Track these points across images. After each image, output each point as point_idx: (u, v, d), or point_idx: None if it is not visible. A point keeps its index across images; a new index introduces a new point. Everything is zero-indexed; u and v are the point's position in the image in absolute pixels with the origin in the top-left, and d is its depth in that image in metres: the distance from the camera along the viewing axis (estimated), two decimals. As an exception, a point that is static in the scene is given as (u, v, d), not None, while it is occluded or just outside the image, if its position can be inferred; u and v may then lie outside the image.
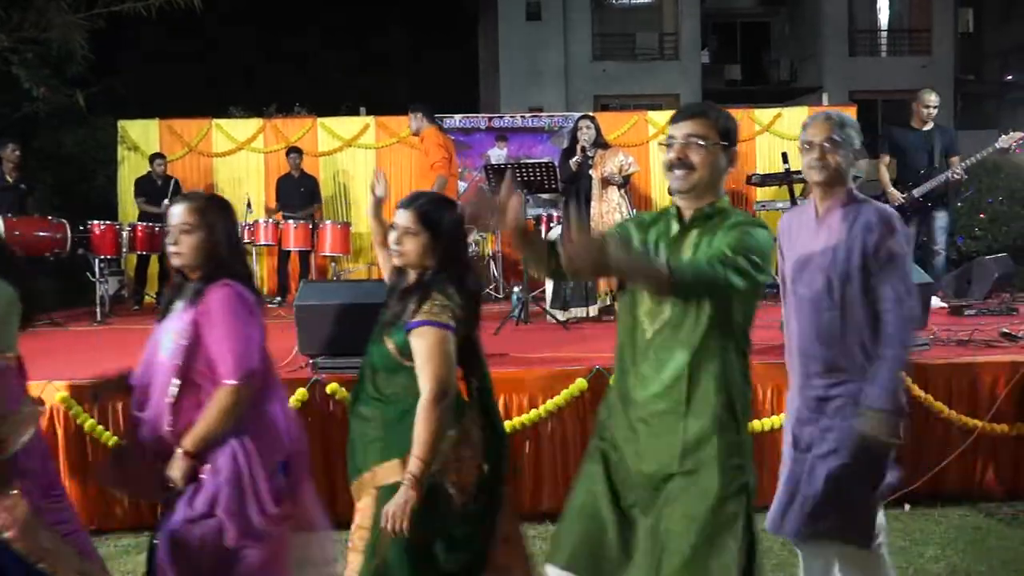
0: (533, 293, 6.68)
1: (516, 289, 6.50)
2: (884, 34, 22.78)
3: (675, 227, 2.13)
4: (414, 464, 2.16)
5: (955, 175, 6.42)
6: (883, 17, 22.76)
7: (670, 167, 2.11)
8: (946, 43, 21.69)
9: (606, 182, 6.25)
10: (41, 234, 6.91)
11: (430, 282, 2.33)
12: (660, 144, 2.19)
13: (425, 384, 2.22)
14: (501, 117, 10.78)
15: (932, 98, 6.66)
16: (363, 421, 2.36)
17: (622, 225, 2.31)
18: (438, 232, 2.34)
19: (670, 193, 2.23)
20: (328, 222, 8.36)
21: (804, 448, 2.50)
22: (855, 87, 20.57)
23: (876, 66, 21.77)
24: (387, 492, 2.21)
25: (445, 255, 2.35)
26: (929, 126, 6.67)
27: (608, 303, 6.26)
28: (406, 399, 2.27)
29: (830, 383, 2.45)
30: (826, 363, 2.46)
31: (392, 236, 2.37)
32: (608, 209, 6.26)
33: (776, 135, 10.02)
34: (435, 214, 2.36)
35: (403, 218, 2.36)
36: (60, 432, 3.98)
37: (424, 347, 2.25)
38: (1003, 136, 6.52)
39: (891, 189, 6.68)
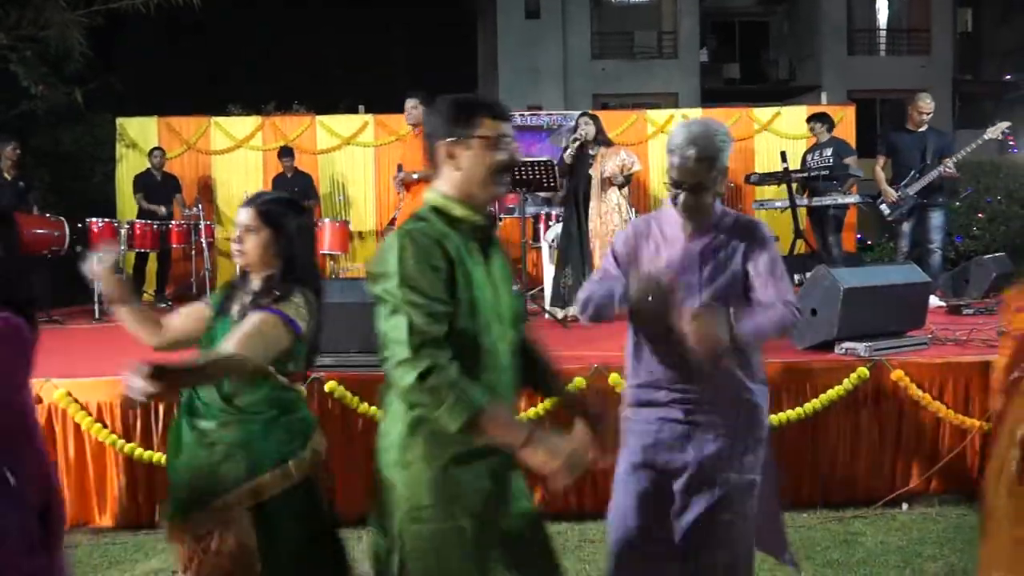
0: (532, 291, 6.68)
1: (514, 287, 6.50)
2: (883, 33, 22.78)
3: None
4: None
5: (946, 170, 6.52)
6: (882, 16, 22.77)
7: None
8: (945, 43, 21.70)
9: (607, 182, 6.24)
10: (39, 231, 6.90)
11: (279, 286, 2.18)
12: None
13: (227, 345, 2.04)
14: (500, 115, 10.76)
15: (926, 104, 6.81)
16: (204, 440, 2.14)
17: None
18: (280, 230, 2.21)
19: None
20: (327, 220, 8.35)
21: None
22: (854, 86, 20.57)
23: (875, 65, 21.77)
24: (281, 502, 2.12)
25: (289, 256, 2.22)
26: (923, 128, 6.77)
27: None
28: (268, 410, 2.15)
29: None
30: None
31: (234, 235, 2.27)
32: (607, 209, 6.24)
33: (775, 134, 10.03)
34: (277, 211, 2.24)
35: (244, 216, 2.24)
36: (59, 430, 3.98)
37: (250, 322, 2.09)
38: (989, 128, 6.63)
39: (886, 187, 6.79)
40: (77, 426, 3.94)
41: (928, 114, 6.77)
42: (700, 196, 2.37)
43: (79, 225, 7.39)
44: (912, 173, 6.69)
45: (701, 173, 2.34)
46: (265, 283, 2.21)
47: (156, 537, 3.81)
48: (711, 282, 2.34)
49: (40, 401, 3.94)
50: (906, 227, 6.85)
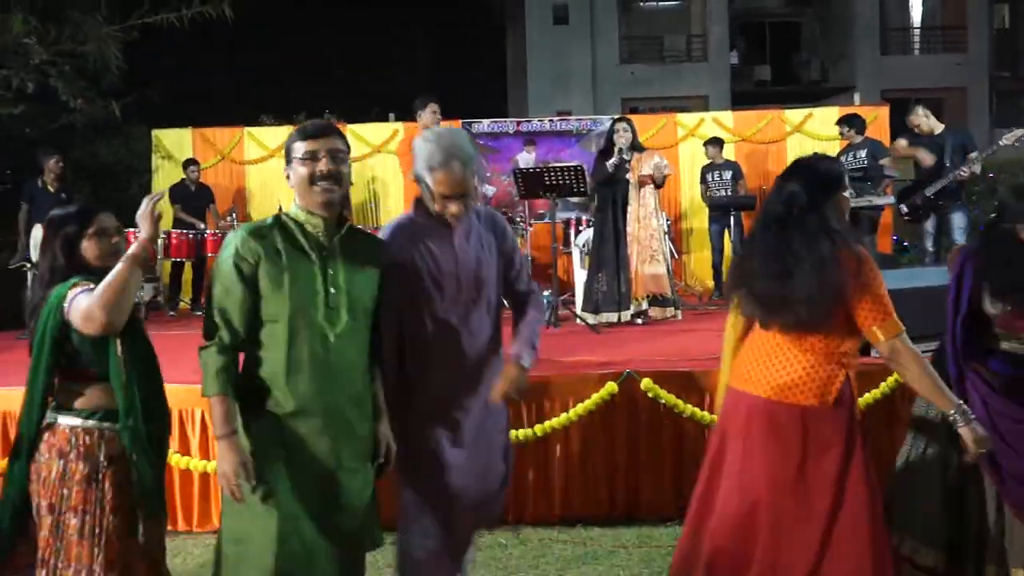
0: (564, 296, 6.67)
1: (546, 292, 6.49)
2: (917, 32, 22.45)
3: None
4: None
5: (961, 173, 6.43)
6: (916, 14, 22.45)
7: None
8: (981, 39, 21.32)
9: (643, 184, 6.22)
10: (79, 242, 7.03)
11: None
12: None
13: None
14: (529, 121, 10.79)
15: (914, 118, 6.86)
16: None
17: None
18: None
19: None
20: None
21: None
22: (888, 86, 20.29)
23: (909, 64, 21.46)
24: None
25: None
26: (938, 130, 6.71)
27: (644, 307, 6.22)
28: None
29: None
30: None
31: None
32: (645, 213, 6.23)
33: (807, 136, 9.92)
34: None
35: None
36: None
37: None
38: (1007, 134, 6.55)
39: (923, 154, 6.68)
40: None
41: (917, 127, 6.81)
42: (469, 202, 2.45)
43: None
44: (931, 174, 6.65)
45: (468, 181, 2.40)
46: None
47: (196, 541, 3.87)
48: (486, 282, 2.51)
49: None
50: (929, 226, 6.79)
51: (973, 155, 6.53)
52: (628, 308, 6.18)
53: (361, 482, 2.29)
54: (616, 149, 6.23)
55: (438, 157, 2.38)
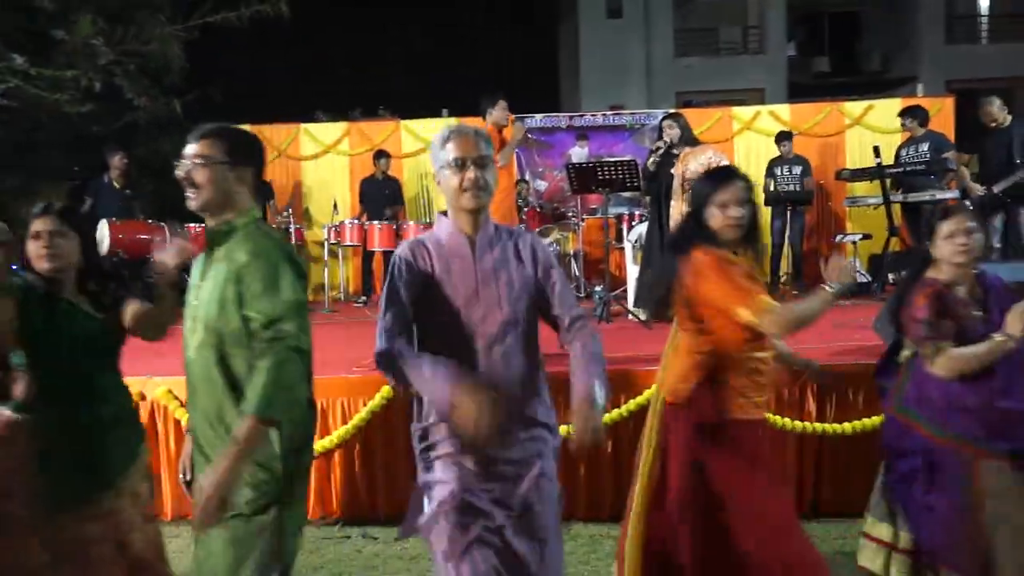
0: (615, 292, 6.64)
1: (598, 288, 6.47)
2: (985, 19, 21.68)
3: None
4: None
5: None
6: (983, 1, 21.68)
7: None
8: (1053, 27, 20.52)
9: (688, 182, 6.15)
10: (142, 236, 7.25)
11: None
12: None
13: None
14: (582, 116, 10.75)
15: (990, 108, 6.60)
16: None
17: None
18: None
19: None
20: (411, 223, 8.50)
21: None
22: (952, 76, 19.65)
23: (976, 54, 20.73)
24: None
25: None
26: (1007, 123, 6.48)
27: None
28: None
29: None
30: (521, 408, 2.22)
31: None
32: (688, 210, 6.15)
33: (867, 128, 9.68)
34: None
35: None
36: (160, 426, 4.17)
37: None
38: None
39: (969, 183, 6.59)
40: (177, 422, 4.13)
41: (995, 121, 6.56)
42: (486, 177, 2.19)
43: (179, 230, 7.73)
44: (999, 170, 6.45)
45: (482, 149, 2.19)
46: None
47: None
48: (509, 297, 2.19)
49: (143, 398, 4.15)
50: (997, 222, 6.55)
51: None
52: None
53: (216, 543, 2.07)
54: (655, 146, 6.19)
55: (447, 131, 2.23)
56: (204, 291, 2.17)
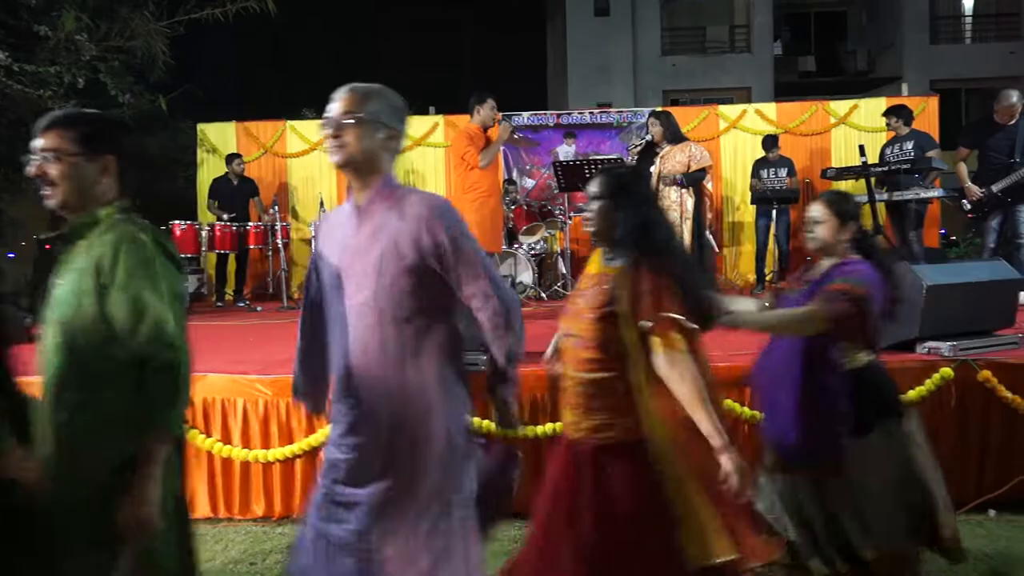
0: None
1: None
2: (969, 20, 21.85)
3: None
4: None
5: None
6: (967, 2, 21.85)
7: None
8: (1036, 28, 20.71)
9: (664, 180, 6.18)
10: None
11: None
12: None
13: None
14: (569, 114, 10.75)
15: (1011, 102, 6.43)
16: None
17: None
18: None
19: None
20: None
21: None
22: (937, 76, 19.82)
23: (960, 54, 20.90)
24: None
25: None
26: (1014, 120, 6.42)
27: None
28: None
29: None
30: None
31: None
32: (665, 207, 6.15)
33: (852, 127, 9.73)
34: None
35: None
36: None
37: None
38: None
39: (968, 184, 6.48)
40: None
41: (1013, 116, 6.44)
42: (346, 143, 2.02)
43: (162, 228, 7.69)
44: (1000, 169, 6.37)
45: (350, 106, 2.02)
46: None
47: (236, 529, 3.93)
48: (379, 270, 1.99)
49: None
50: (994, 222, 6.52)
51: None
52: None
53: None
54: (632, 144, 6.21)
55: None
56: (60, 290, 1.94)
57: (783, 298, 2.86)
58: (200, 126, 10.17)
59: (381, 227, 2.01)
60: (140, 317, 1.88)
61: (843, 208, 2.76)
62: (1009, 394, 3.87)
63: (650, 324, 2.12)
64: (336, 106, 2.03)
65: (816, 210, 2.79)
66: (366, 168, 2.04)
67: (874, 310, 2.64)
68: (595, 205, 2.31)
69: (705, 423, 2.05)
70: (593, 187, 2.34)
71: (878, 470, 2.64)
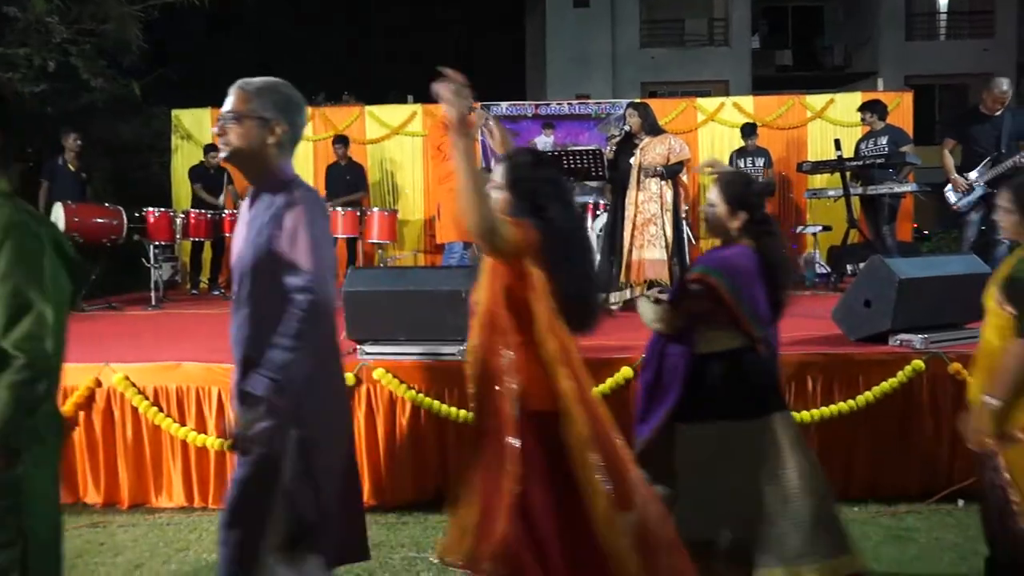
0: (638, 295, 6.63)
1: None
2: (943, 17, 22.10)
3: None
4: None
5: (1021, 160, 6.19)
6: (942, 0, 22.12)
7: None
8: (1010, 24, 20.96)
9: (646, 172, 6.19)
10: (99, 221, 7.09)
11: None
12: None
13: None
14: (548, 104, 10.73)
15: (1003, 92, 6.39)
16: None
17: None
18: None
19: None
20: (375, 209, 8.42)
21: None
22: (912, 72, 20.02)
23: (934, 50, 21.15)
24: None
25: None
26: (999, 112, 6.44)
27: (629, 297, 6.10)
28: None
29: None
30: (243, 362, 2.15)
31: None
32: (645, 198, 6.15)
33: (828, 121, 9.81)
34: None
35: None
36: (117, 413, 4.10)
37: None
38: None
39: (955, 175, 6.46)
40: (135, 410, 4.06)
41: (1004, 103, 6.43)
42: (230, 141, 2.15)
43: (136, 214, 7.58)
44: (985, 161, 6.36)
45: (237, 104, 2.15)
46: None
47: (211, 518, 3.91)
48: (243, 257, 2.14)
49: (99, 385, 4.07)
50: (974, 216, 6.45)
51: None
52: (618, 292, 6.11)
53: None
54: (609, 135, 6.21)
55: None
56: None
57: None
58: (175, 112, 10.02)
59: (254, 218, 2.14)
60: (18, 312, 1.74)
61: (735, 193, 2.71)
62: (979, 386, 3.93)
63: None
64: (225, 103, 2.14)
65: (712, 193, 2.74)
66: (250, 163, 2.16)
67: (739, 296, 2.57)
68: (498, 194, 2.32)
69: None
70: (497, 175, 2.36)
71: (695, 463, 2.59)
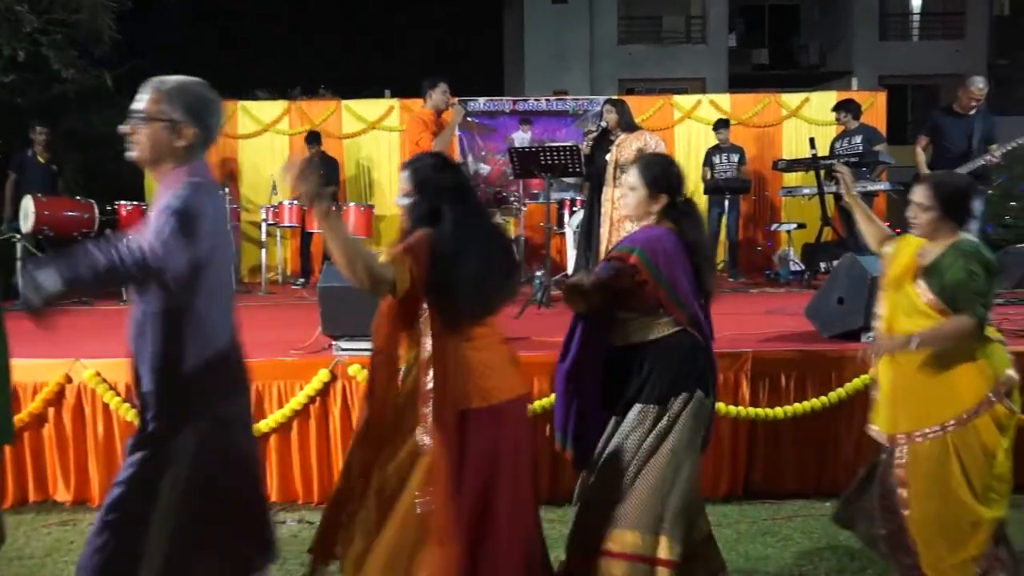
0: (555, 277, 6.66)
1: (538, 273, 6.49)
2: (916, 18, 22.36)
3: None
4: None
5: (992, 159, 6.33)
6: (915, 0, 22.36)
7: None
8: (980, 26, 21.26)
9: (622, 168, 6.21)
10: (70, 214, 6.99)
11: None
12: None
13: None
14: (526, 100, 10.73)
15: (978, 90, 6.50)
16: None
17: None
18: None
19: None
20: (351, 204, 8.37)
21: None
22: (885, 71, 20.23)
23: (907, 50, 21.40)
24: None
25: None
26: (972, 112, 6.55)
27: None
28: None
29: None
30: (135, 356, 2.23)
31: None
32: (622, 194, 6.18)
33: (803, 120, 9.90)
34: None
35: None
36: (88, 410, 4.05)
37: None
38: None
39: (925, 171, 6.57)
40: (106, 406, 4.01)
41: (979, 100, 6.53)
42: (138, 140, 2.17)
43: (108, 208, 7.48)
44: (956, 159, 6.49)
45: (145, 105, 2.16)
46: None
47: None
48: None
49: (70, 381, 4.01)
50: None
51: (994, 147, 6.44)
52: None
53: None
54: (586, 131, 6.24)
55: None
56: None
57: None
58: (148, 104, 9.88)
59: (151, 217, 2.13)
60: None
61: (654, 176, 2.71)
62: (948, 383, 3.98)
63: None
64: (136, 101, 2.15)
65: (631, 176, 2.75)
66: (155, 164, 2.17)
67: (659, 274, 2.58)
68: (405, 199, 2.41)
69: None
70: (404, 178, 2.42)
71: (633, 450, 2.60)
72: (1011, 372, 2.66)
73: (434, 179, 2.37)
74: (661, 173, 2.73)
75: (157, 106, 2.14)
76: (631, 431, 2.58)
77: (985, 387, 2.60)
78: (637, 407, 2.60)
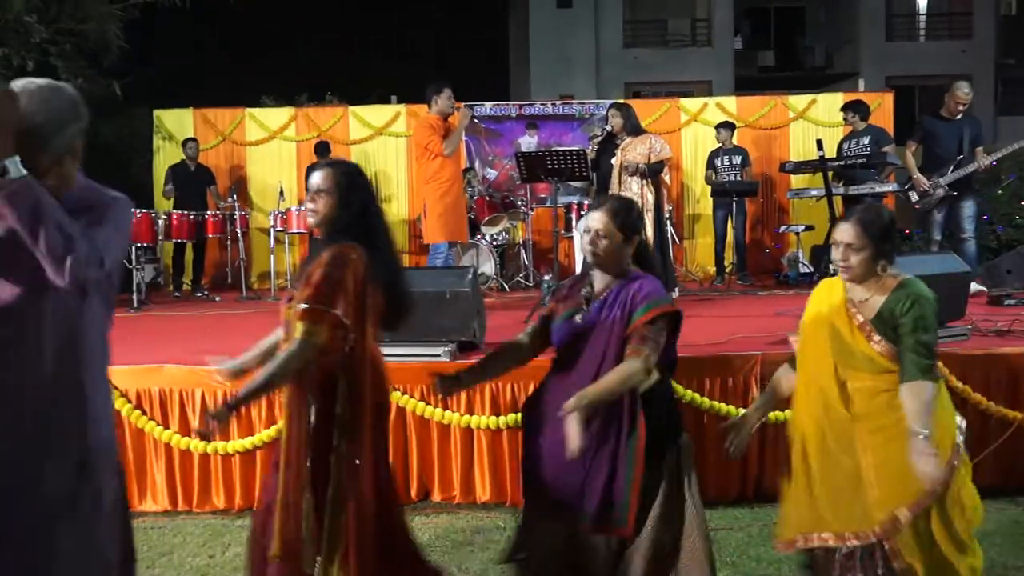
0: (563, 281, 6.68)
1: (546, 278, 6.49)
2: (923, 18, 22.31)
3: None
4: None
5: (983, 165, 6.39)
6: (922, 1, 22.31)
7: None
8: (987, 26, 21.18)
9: (627, 171, 6.21)
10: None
11: None
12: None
13: None
14: (532, 105, 10.75)
15: (964, 94, 6.61)
16: None
17: None
18: None
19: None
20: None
21: None
22: (892, 72, 20.19)
23: (914, 51, 21.34)
24: None
25: None
26: (959, 116, 6.61)
27: None
28: None
29: None
30: None
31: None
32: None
33: (810, 122, 9.89)
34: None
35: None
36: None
37: None
38: None
39: (917, 175, 6.67)
40: (117, 413, 4.02)
41: (965, 104, 6.60)
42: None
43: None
44: (948, 163, 6.55)
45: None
46: None
47: (195, 522, 3.88)
48: None
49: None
50: (938, 216, 6.69)
51: (980, 150, 6.50)
52: None
53: None
54: (591, 135, 6.25)
55: None
56: None
57: (557, 323, 2.50)
58: (156, 112, 9.96)
59: None
60: None
61: (627, 221, 2.42)
62: (960, 384, 3.97)
63: (299, 307, 2.26)
64: None
65: (599, 221, 2.40)
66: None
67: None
68: (319, 198, 2.36)
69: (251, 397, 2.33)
70: (315, 179, 2.37)
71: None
72: (959, 419, 2.53)
73: (361, 182, 2.37)
74: (630, 215, 2.45)
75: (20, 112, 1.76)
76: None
77: (950, 443, 2.45)
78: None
